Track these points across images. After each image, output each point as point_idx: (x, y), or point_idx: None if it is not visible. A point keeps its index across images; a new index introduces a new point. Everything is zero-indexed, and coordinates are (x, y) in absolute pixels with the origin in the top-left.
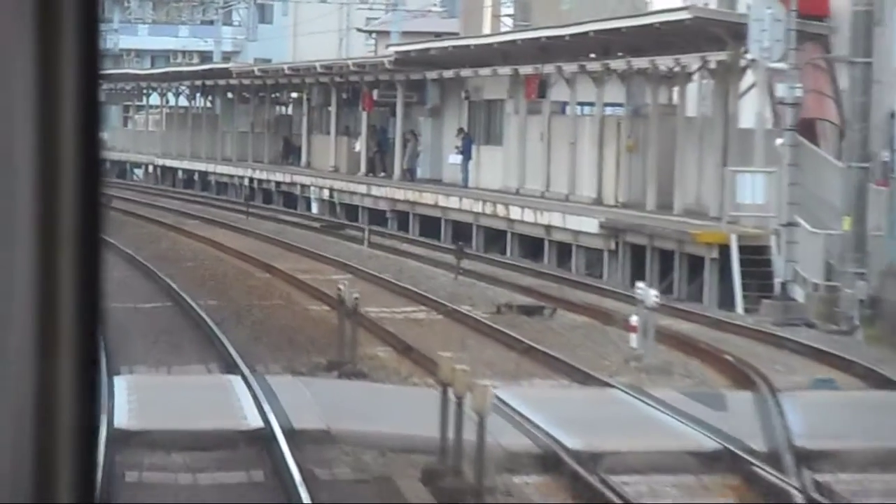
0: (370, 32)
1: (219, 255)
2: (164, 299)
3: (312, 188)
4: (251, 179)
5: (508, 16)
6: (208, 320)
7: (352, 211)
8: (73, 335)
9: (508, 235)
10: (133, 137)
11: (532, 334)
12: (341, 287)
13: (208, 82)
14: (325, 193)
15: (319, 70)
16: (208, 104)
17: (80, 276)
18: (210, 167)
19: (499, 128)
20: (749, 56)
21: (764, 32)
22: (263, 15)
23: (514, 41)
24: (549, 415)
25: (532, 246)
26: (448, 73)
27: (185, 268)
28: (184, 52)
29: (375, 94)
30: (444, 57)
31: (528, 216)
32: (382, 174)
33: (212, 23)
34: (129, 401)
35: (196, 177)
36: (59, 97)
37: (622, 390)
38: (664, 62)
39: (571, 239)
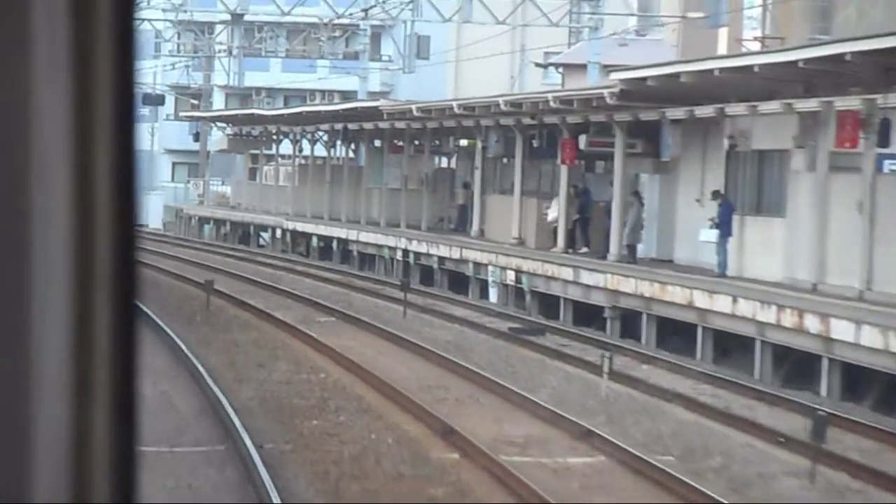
0: (555, 66)
1: (364, 397)
2: None
3: (491, 269)
4: (405, 252)
5: (760, 38)
6: None
7: (549, 304)
8: (109, 332)
9: (824, 364)
10: (260, 193)
11: None
12: None
13: (352, 126)
14: (510, 276)
15: (503, 108)
16: (351, 153)
17: (115, 286)
18: (352, 234)
19: (778, 191)
20: None
21: None
22: (419, 50)
23: (840, 56)
24: None
25: (868, 384)
26: (705, 111)
27: (308, 433)
28: (322, 92)
29: (582, 140)
30: (691, 88)
31: (870, 337)
32: (584, 249)
33: (356, 56)
34: None
35: (335, 245)
36: (94, 113)
37: None
38: None
39: None
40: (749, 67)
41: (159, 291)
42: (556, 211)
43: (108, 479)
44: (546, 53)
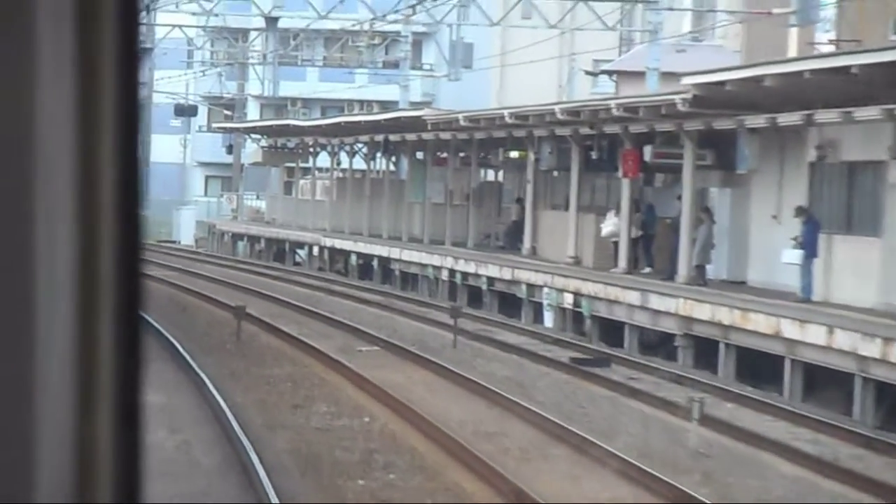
0: (609, 74)
1: (416, 448)
2: None
3: (546, 291)
4: (452, 272)
5: (835, 41)
6: None
7: (611, 330)
8: (113, 336)
9: None
10: (296, 208)
11: None
12: None
13: (393, 137)
14: (567, 299)
15: (560, 117)
16: (391, 166)
17: (119, 290)
18: (394, 252)
19: (871, 207)
20: None
21: None
22: (462, 58)
23: None
24: None
25: None
26: (790, 119)
27: (352, 498)
28: (361, 102)
29: (647, 151)
30: (770, 94)
31: None
32: (647, 270)
33: (396, 65)
34: None
35: (375, 264)
36: (99, 119)
37: None
38: None
39: None
40: (845, 69)
41: (186, 316)
42: (612, 225)
43: (111, 480)
44: (595, 61)
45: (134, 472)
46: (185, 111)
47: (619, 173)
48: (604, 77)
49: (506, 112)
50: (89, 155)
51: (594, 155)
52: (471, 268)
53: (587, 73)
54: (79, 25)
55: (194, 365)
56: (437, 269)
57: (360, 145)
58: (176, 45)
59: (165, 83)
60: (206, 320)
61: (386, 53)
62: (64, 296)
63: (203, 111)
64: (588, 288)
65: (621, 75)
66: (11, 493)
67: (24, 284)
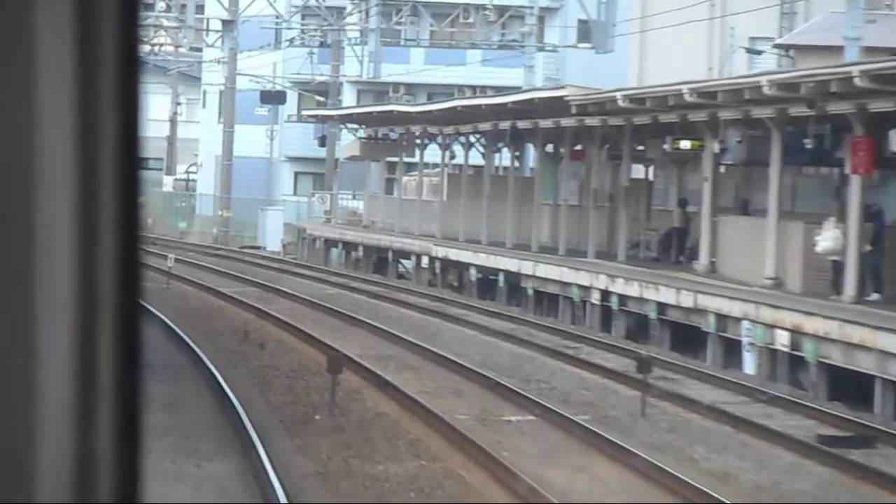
0: (784, 48)
1: None
2: None
3: (747, 325)
4: (605, 294)
5: None
6: None
7: (848, 384)
8: (114, 335)
9: None
10: (399, 210)
11: None
12: None
13: (522, 124)
14: (781, 339)
15: (767, 93)
16: (515, 161)
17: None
18: (525, 266)
19: None
20: None
21: None
22: (586, 36)
23: None
24: None
25: None
26: None
27: None
28: (473, 88)
29: (894, 138)
30: None
31: None
32: (875, 296)
33: (520, 45)
34: None
35: (500, 279)
36: (99, 105)
37: None
38: None
39: None
40: None
41: (263, 357)
42: (830, 239)
43: (111, 482)
44: (752, 39)
45: (134, 474)
46: (272, 98)
47: (848, 168)
48: (766, 57)
49: (685, 88)
50: (89, 150)
51: (809, 144)
52: (633, 290)
53: (748, 50)
54: (79, 27)
55: (265, 460)
56: (586, 289)
57: (477, 136)
58: (264, 22)
59: (248, 63)
60: (288, 364)
61: (502, 32)
62: (64, 300)
63: (292, 98)
64: (814, 325)
65: (800, 50)
66: (12, 494)
67: (25, 291)
